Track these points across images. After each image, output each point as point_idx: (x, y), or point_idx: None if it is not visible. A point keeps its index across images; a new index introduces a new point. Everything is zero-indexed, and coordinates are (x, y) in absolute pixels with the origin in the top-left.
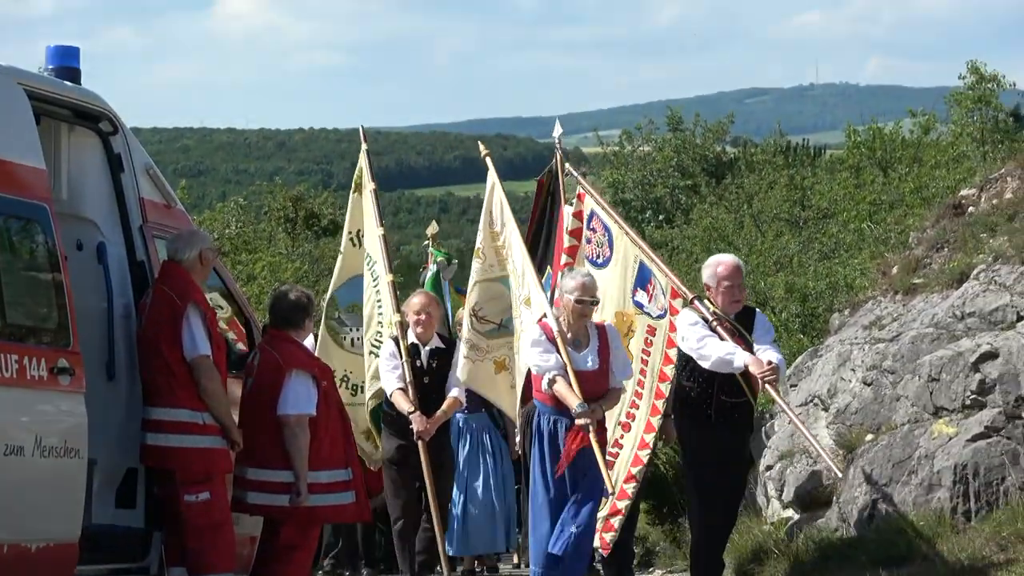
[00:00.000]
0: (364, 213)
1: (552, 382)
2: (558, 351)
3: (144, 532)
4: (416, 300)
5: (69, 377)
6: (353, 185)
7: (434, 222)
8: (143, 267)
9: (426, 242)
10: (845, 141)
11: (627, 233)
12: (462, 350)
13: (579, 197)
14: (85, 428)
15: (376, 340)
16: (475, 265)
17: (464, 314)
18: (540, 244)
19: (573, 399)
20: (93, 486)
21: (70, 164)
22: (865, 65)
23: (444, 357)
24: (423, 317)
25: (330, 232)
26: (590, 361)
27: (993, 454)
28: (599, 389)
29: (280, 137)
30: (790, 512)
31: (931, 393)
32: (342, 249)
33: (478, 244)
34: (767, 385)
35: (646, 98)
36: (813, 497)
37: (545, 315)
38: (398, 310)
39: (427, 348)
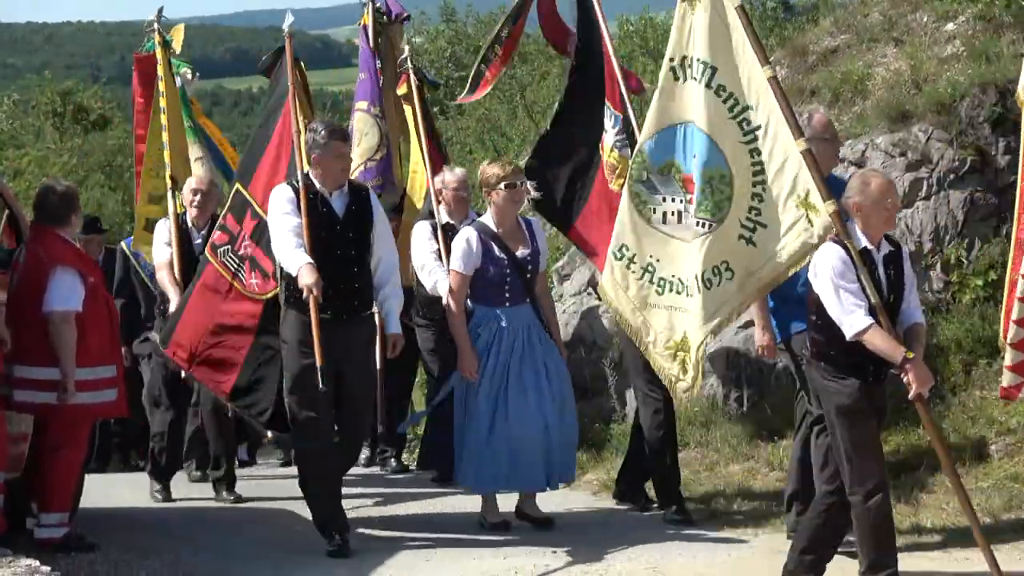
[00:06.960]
0: (699, 35)
1: None
2: None
3: None
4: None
5: None
6: None
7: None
8: None
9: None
10: (617, 31)
11: None
12: None
13: None
14: None
15: (750, 218)
16: None
17: None
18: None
19: None
20: None
21: None
22: None
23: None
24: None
25: (99, 127)
26: None
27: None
28: None
29: (48, 30)
30: None
31: None
32: (661, 83)
33: None
34: None
35: None
36: (591, 385)
37: None
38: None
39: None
